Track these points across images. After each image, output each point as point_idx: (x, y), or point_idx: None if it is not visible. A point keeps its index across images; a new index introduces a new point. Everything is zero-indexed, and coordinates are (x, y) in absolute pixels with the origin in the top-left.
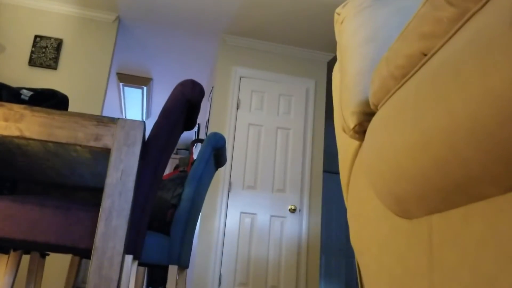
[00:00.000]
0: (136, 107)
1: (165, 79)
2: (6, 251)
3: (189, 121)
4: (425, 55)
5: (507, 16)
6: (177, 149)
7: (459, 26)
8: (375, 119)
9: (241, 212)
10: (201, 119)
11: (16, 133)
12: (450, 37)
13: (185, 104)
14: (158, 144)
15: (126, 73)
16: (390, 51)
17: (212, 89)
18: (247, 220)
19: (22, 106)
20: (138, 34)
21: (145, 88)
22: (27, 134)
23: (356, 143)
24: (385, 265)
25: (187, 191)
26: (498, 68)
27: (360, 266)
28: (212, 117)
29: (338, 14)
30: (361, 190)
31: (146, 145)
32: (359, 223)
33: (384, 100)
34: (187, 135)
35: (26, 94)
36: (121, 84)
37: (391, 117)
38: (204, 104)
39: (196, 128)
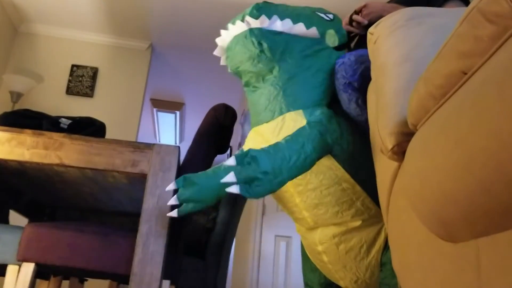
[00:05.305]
0: (170, 132)
1: (197, 103)
2: (46, 277)
3: (222, 145)
4: (465, 73)
5: None
6: None
7: (500, 43)
8: (414, 140)
9: (276, 235)
10: (233, 141)
11: (56, 161)
12: (491, 55)
13: (218, 128)
14: (192, 169)
15: (159, 98)
16: (427, 71)
17: (243, 112)
18: (282, 243)
19: (62, 134)
20: (170, 60)
21: (178, 112)
22: (66, 161)
23: (395, 164)
24: None
25: (222, 214)
26: None
27: None
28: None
29: (371, 33)
30: (402, 213)
31: (181, 170)
32: (401, 247)
33: (424, 120)
34: (220, 158)
35: (65, 122)
36: (154, 109)
37: (432, 137)
38: (237, 127)
39: (228, 151)
